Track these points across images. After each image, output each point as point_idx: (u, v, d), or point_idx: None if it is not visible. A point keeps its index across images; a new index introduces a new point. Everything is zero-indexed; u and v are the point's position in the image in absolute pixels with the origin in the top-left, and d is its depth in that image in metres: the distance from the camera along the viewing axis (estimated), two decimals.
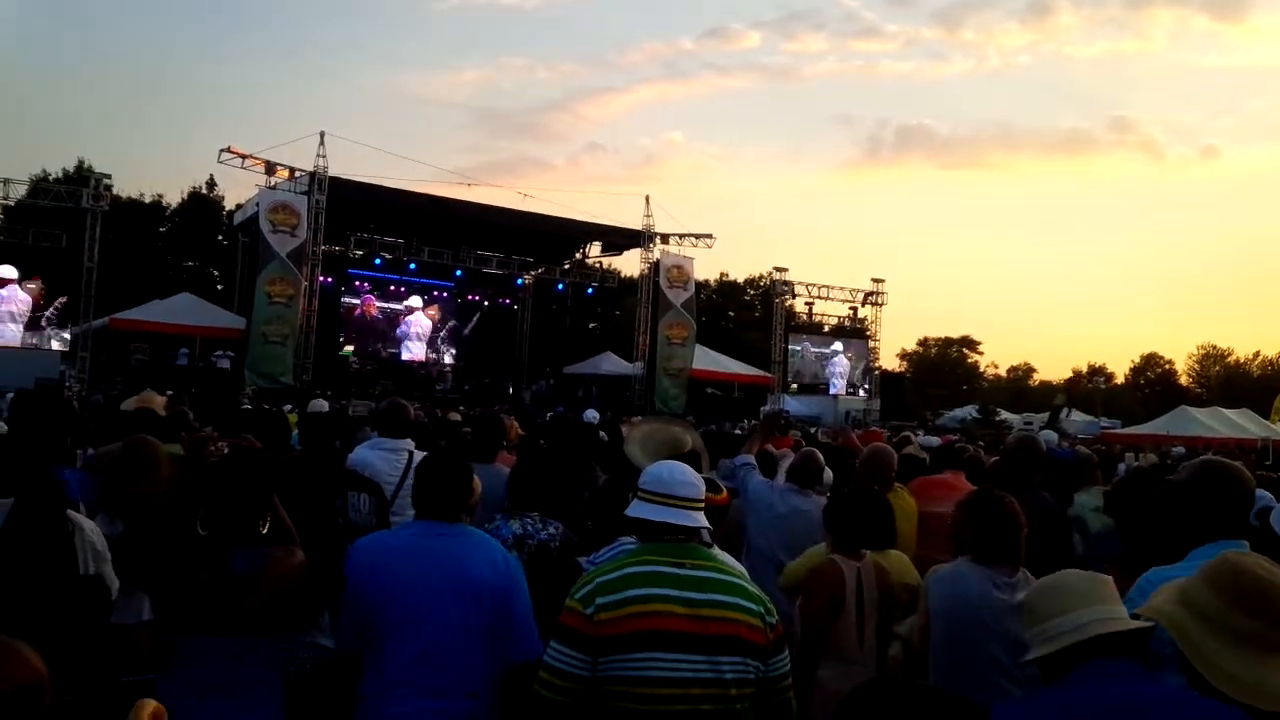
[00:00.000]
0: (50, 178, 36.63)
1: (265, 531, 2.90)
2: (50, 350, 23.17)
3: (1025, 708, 2.16)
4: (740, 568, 3.01)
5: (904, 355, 66.96)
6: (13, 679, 1.39)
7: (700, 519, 2.75)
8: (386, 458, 4.71)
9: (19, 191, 24.71)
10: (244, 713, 2.78)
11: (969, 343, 68.35)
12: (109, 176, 25.63)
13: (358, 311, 30.47)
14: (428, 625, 2.92)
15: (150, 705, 1.62)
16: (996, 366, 73.24)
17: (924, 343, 69.17)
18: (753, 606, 2.60)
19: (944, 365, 65.82)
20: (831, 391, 33.71)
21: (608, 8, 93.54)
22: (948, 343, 68.43)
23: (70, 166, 40.40)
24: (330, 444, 4.40)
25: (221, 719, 2.71)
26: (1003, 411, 38.10)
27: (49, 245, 24.53)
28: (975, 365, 69.35)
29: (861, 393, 34.18)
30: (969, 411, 38.32)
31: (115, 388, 19.17)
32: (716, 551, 3.00)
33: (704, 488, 2.84)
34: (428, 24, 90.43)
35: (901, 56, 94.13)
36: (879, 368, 36.30)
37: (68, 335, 23.67)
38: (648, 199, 31.08)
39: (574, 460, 5.77)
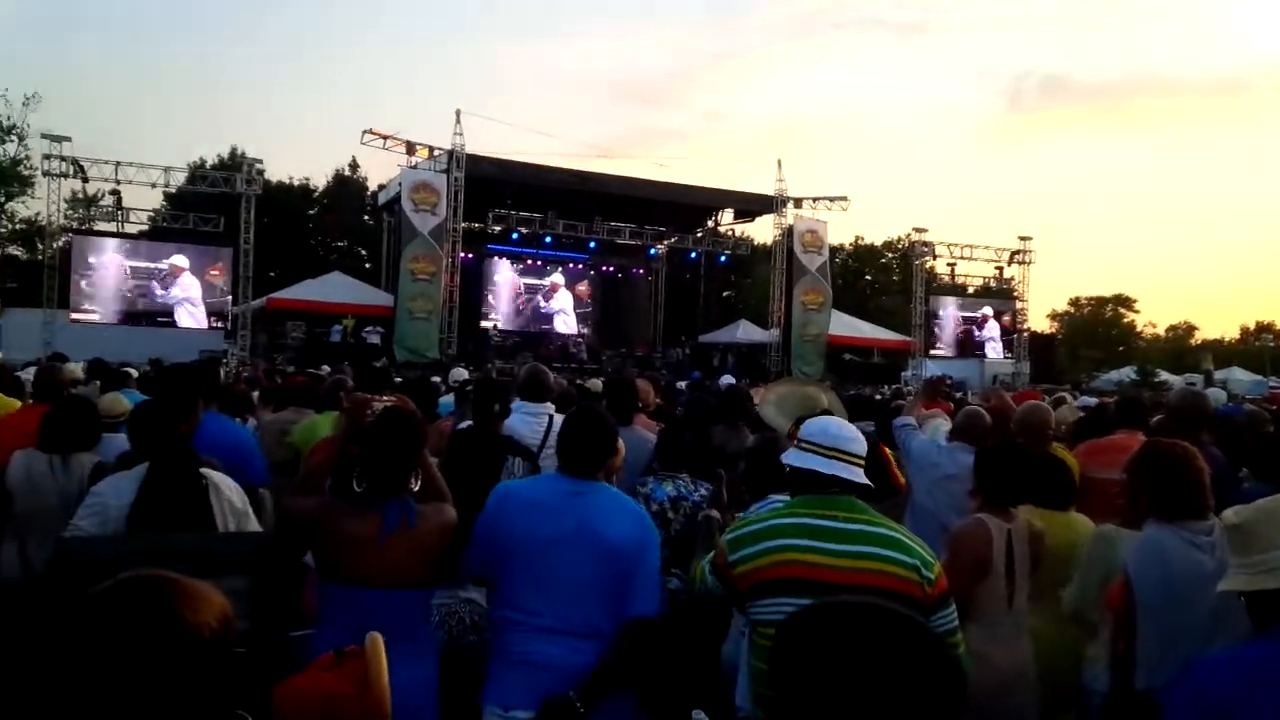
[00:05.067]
0: (207, 164, 38.59)
1: (416, 488, 3.02)
2: (215, 329, 24.62)
3: (1228, 661, 1.96)
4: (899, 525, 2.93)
5: (1054, 316, 64.21)
6: (209, 613, 1.46)
7: (862, 475, 2.71)
8: (528, 421, 4.82)
9: (179, 179, 26.16)
10: (401, 662, 2.90)
11: (1124, 301, 64.92)
12: (260, 161, 26.91)
13: (501, 287, 31.31)
14: (547, 574, 2.97)
15: (380, 637, 1.71)
16: (1154, 326, 69.48)
17: (1075, 302, 66.12)
18: (908, 560, 2.54)
19: (1098, 325, 62.75)
20: (977, 354, 32.65)
21: None
22: (1101, 302, 65.15)
23: (225, 153, 42.48)
24: (491, 409, 4.53)
25: None
26: (1163, 372, 36.04)
27: (208, 229, 25.92)
28: (1131, 325, 65.89)
29: (1009, 355, 32.97)
30: (1126, 373, 36.44)
31: (276, 364, 20.21)
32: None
33: (866, 445, 2.80)
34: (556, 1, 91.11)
35: (1041, 3, 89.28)
36: (1028, 329, 34.85)
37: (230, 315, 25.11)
38: (779, 163, 30.65)
39: (714, 422, 5.76)
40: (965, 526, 3.69)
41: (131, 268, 23.90)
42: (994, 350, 33.00)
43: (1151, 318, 69.17)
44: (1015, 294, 33.57)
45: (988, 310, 33.17)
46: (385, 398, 3.52)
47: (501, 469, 4.23)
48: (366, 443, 3.00)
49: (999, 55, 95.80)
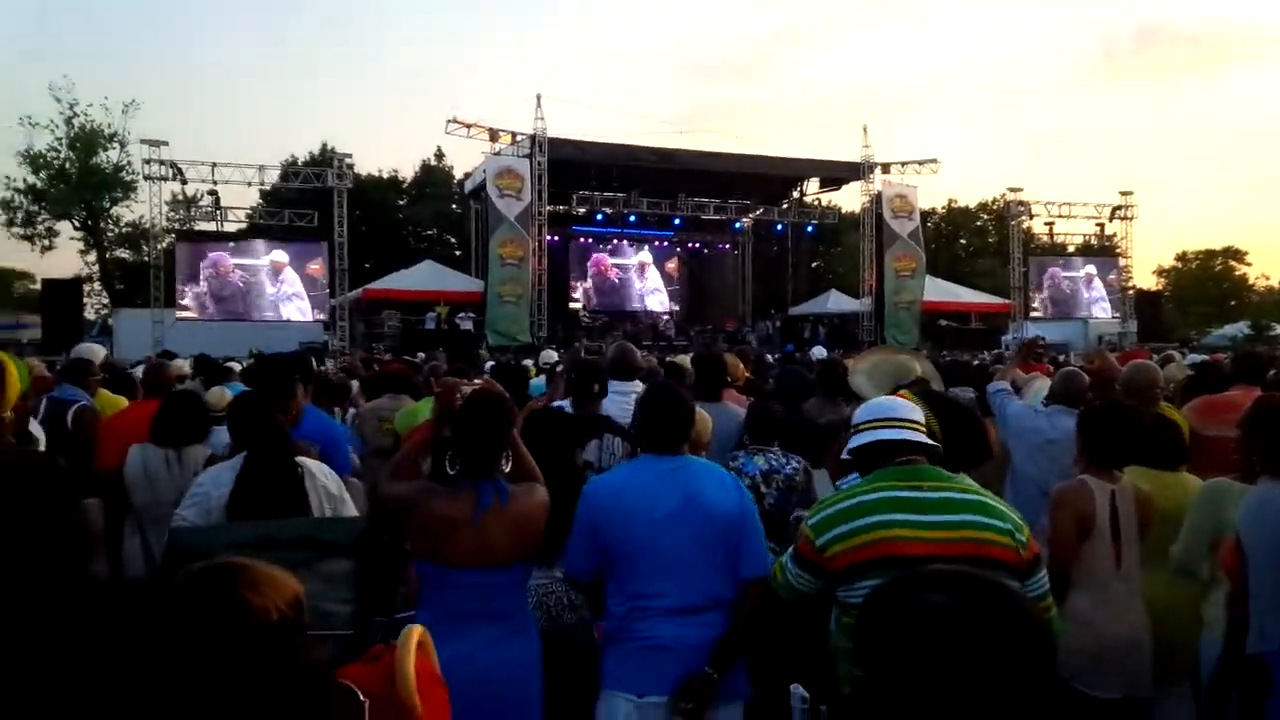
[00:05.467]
0: (299, 161, 39.59)
1: (508, 468, 3.05)
2: (316, 322, 25.37)
3: None
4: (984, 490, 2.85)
5: (1160, 272, 61.67)
6: (276, 597, 1.54)
7: (924, 437, 2.65)
8: (616, 400, 4.83)
9: (272, 176, 26.91)
10: (502, 641, 2.94)
11: (1234, 254, 61.94)
12: (350, 156, 27.33)
13: (588, 267, 31.53)
14: (663, 553, 2.99)
15: (417, 630, 1.74)
16: (1268, 278, 66.01)
17: (1182, 257, 63.33)
18: (1002, 525, 2.48)
19: (1207, 280, 60.06)
20: (1081, 315, 31.59)
21: None
22: (1209, 255, 62.30)
23: (316, 149, 43.51)
24: (591, 390, 4.57)
25: (481, 646, 2.88)
26: (1278, 326, 34.32)
27: (303, 224, 26.63)
28: (1243, 278, 62.89)
29: (1115, 314, 31.80)
30: (1239, 328, 34.73)
31: (374, 353, 20.70)
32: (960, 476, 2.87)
33: (921, 415, 2.74)
34: None
35: None
36: (1133, 287, 33.53)
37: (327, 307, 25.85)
38: (864, 129, 30.02)
39: (806, 396, 5.69)
40: (1066, 487, 3.59)
41: (234, 265, 24.74)
42: (1099, 310, 31.86)
43: (1264, 269, 65.89)
44: (1118, 251, 32.32)
45: (1090, 269, 32.02)
46: (475, 381, 3.56)
47: (579, 448, 4.25)
48: (457, 425, 3.04)
49: (1091, 4, 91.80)
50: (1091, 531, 3.44)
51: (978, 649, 1.19)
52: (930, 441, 2.67)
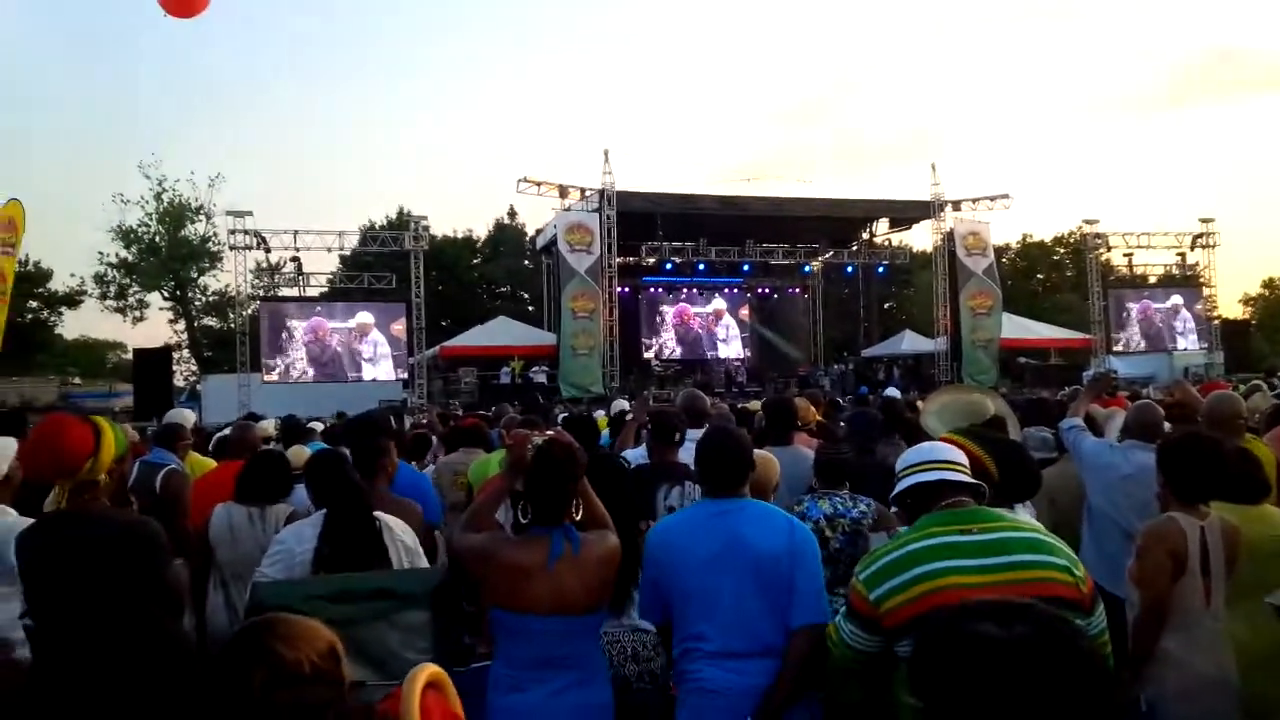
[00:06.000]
0: (376, 225, 40.73)
1: (579, 516, 3.10)
2: (394, 381, 25.90)
3: None
4: (1037, 524, 2.79)
5: (1247, 301, 59.64)
6: (309, 649, 1.64)
7: (966, 477, 2.61)
8: (686, 447, 4.85)
9: (352, 241, 27.75)
10: (575, 688, 2.97)
11: None
12: (426, 218, 28.11)
13: (674, 318, 31.76)
14: (709, 594, 3.01)
15: (429, 667, 1.80)
16: None
17: (1270, 284, 61.21)
18: (1058, 561, 2.42)
19: None
20: (1165, 347, 30.67)
21: None
22: None
23: (393, 213, 44.74)
24: (671, 439, 4.63)
25: (555, 694, 2.91)
26: None
27: (382, 286, 27.34)
28: None
29: (1201, 346, 30.80)
30: None
31: (450, 409, 21.05)
32: (1010, 512, 2.83)
33: (965, 459, 2.72)
34: (693, 25, 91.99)
35: None
36: (1218, 317, 32.49)
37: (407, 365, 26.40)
38: (933, 167, 29.79)
39: (878, 437, 5.64)
40: (1156, 524, 3.47)
41: (317, 329, 25.45)
42: (1183, 341, 30.88)
43: None
44: (1201, 280, 31.40)
45: (1177, 300, 31.09)
46: (546, 432, 3.63)
47: (684, 492, 4.30)
48: (528, 475, 3.10)
49: (1164, 32, 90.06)
50: (1184, 569, 3.33)
51: (1031, 679, 1.19)
52: (974, 481, 2.63)
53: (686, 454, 4.81)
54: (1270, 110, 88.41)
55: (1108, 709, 1.23)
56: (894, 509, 2.80)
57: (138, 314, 42.39)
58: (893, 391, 11.04)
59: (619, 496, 3.73)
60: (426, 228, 28.02)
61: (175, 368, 33.41)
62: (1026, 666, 1.20)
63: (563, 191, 26.80)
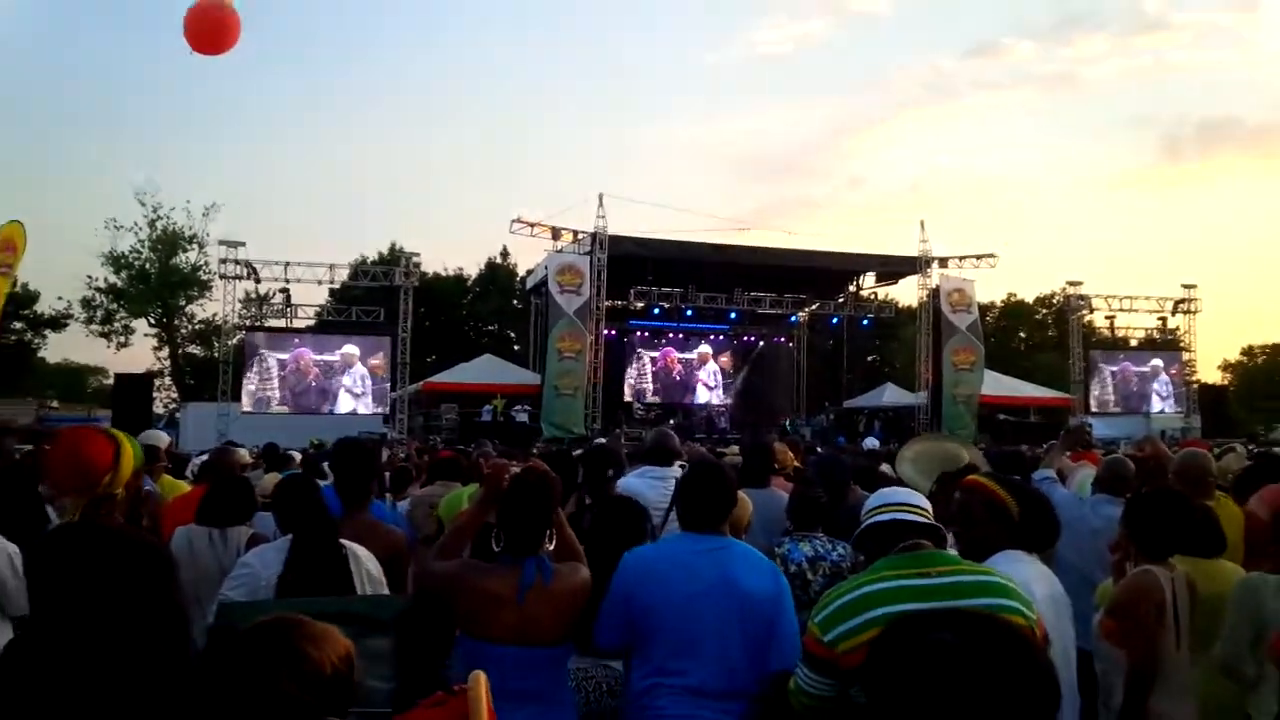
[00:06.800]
0: (368, 260, 40.80)
1: (551, 547, 3.11)
2: (374, 414, 25.81)
3: None
4: (991, 568, 2.82)
5: (1226, 367, 60.23)
6: (331, 652, 1.65)
7: (922, 518, 2.65)
8: (654, 485, 4.88)
9: (342, 275, 27.78)
10: (543, 717, 2.96)
11: None
12: (418, 255, 28.23)
13: (644, 361, 31.83)
14: (692, 630, 2.99)
15: (484, 675, 1.80)
16: None
17: (1248, 351, 61.87)
18: (1012, 604, 2.43)
19: (1274, 374, 58.41)
20: (1143, 409, 30.91)
21: (866, 41, 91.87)
22: (1277, 349, 60.81)
23: (384, 249, 44.81)
24: (605, 474, 4.65)
25: None
26: None
27: (370, 320, 27.34)
28: None
29: (1177, 410, 31.05)
30: None
31: (429, 444, 20.98)
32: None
33: (927, 503, 2.77)
34: (690, 78, 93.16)
35: (1194, 47, 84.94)
36: (1197, 381, 32.80)
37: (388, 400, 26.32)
38: (922, 224, 30.17)
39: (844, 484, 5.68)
40: (1137, 579, 3.48)
41: (300, 360, 25.38)
42: (1161, 404, 31.14)
43: None
44: (1182, 345, 31.74)
45: (1157, 363, 31.39)
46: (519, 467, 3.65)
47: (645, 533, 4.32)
48: (503, 503, 3.12)
49: (1153, 102, 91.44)
50: (1163, 622, 3.36)
51: (987, 683, 1.23)
52: (929, 522, 2.66)
53: (654, 491, 4.85)
54: (1255, 180, 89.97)
55: (1055, 706, 1.27)
56: (861, 556, 2.83)
57: (123, 339, 42.23)
58: (872, 443, 11.10)
59: (636, 535, 3.73)
60: (418, 264, 28.11)
61: (156, 394, 33.25)
62: (983, 671, 1.24)
63: (555, 233, 26.93)
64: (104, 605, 1.81)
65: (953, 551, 2.83)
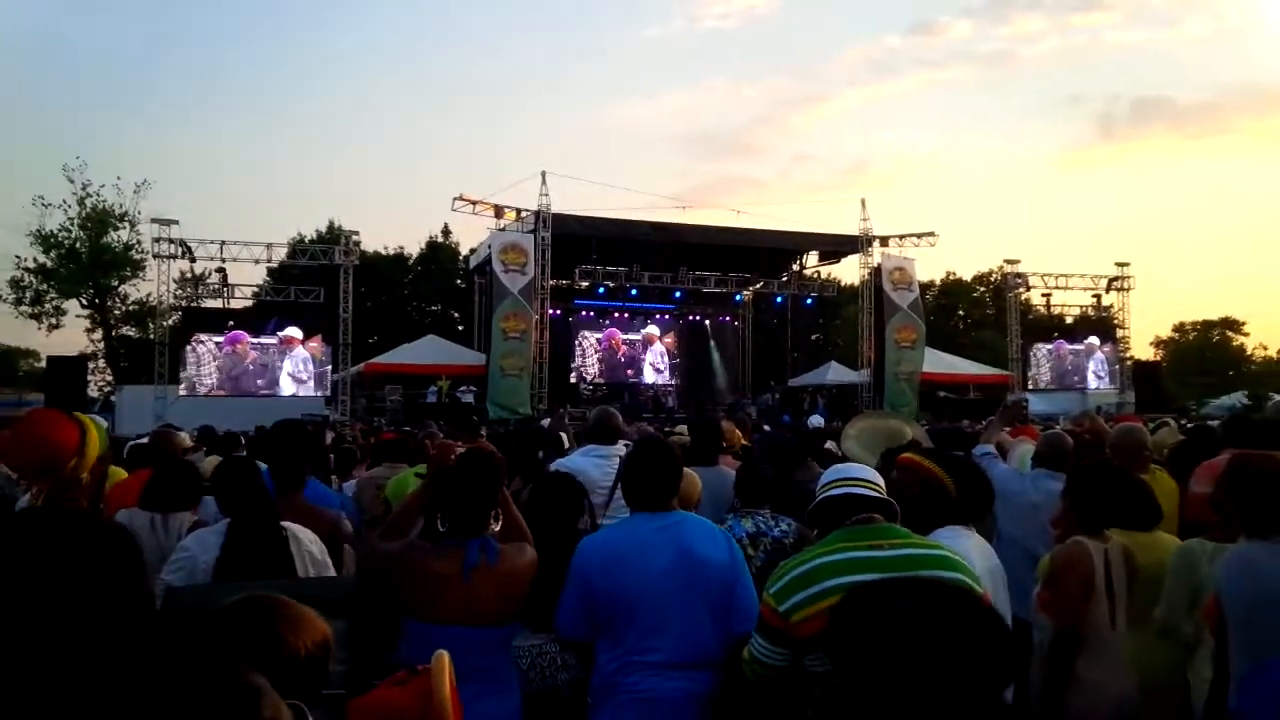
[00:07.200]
0: (306, 239, 40.01)
1: (497, 527, 3.10)
2: (316, 397, 25.45)
3: None
4: (941, 543, 2.88)
5: (1158, 343, 61.96)
6: (308, 636, 1.64)
7: (874, 493, 2.70)
8: (598, 464, 4.89)
9: (280, 254, 27.26)
10: (483, 697, 2.95)
11: (1231, 324, 62.23)
12: (357, 233, 27.74)
13: (590, 340, 31.78)
14: (656, 605, 3.02)
15: (446, 654, 1.79)
16: (1266, 348, 65.88)
17: (1180, 328, 63.66)
18: (960, 578, 2.50)
19: (1205, 350, 60.21)
20: (1078, 386, 31.66)
21: (808, 19, 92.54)
22: (1208, 326, 62.61)
23: (323, 227, 44.03)
24: (536, 454, 4.65)
25: (464, 702, 2.89)
26: (1277, 395, 34.25)
27: (309, 300, 26.89)
28: (1241, 348, 63.04)
29: (1113, 386, 31.85)
30: (1237, 398, 34.73)
31: (373, 426, 20.75)
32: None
33: (879, 478, 2.82)
34: (632, 54, 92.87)
35: (1128, 26, 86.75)
36: (1130, 358, 33.65)
37: (329, 382, 25.96)
38: (863, 203, 30.49)
39: (792, 460, 5.74)
40: (1066, 550, 3.58)
41: (236, 342, 24.90)
42: (1097, 381, 31.93)
43: (1262, 339, 65.63)
44: (1115, 322, 32.53)
45: (1092, 340, 32.14)
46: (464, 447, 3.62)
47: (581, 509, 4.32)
48: (448, 483, 3.10)
49: (1089, 81, 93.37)
50: (1093, 593, 3.44)
51: (941, 645, 1.28)
52: (884, 497, 2.71)
53: (597, 470, 4.85)
54: (1185, 159, 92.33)
55: (1011, 666, 1.32)
56: (815, 531, 2.86)
57: (54, 321, 40.94)
58: (816, 420, 11.22)
59: (574, 511, 3.74)
60: (357, 243, 27.69)
61: (90, 377, 32.39)
62: (942, 633, 1.28)
63: (498, 211, 26.72)
64: (74, 593, 1.76)
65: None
